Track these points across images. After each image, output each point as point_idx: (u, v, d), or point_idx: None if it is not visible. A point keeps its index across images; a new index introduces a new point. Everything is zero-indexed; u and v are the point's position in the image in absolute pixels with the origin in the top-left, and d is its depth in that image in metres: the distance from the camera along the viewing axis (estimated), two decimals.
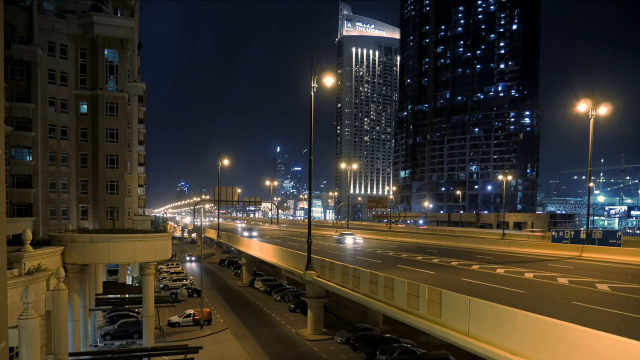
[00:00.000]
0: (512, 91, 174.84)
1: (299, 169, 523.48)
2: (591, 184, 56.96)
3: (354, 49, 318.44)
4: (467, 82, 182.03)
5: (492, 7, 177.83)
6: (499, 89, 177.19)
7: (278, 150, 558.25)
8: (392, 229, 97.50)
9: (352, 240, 61.73)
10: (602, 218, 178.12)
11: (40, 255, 23.38)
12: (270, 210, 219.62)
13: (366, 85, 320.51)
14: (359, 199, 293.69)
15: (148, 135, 70.95)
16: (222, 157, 77.07)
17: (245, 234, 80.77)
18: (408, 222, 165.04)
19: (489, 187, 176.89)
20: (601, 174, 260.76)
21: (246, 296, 60.36)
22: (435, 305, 19.75)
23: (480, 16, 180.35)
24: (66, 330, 22.62)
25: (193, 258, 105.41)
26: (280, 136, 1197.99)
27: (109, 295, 42.62)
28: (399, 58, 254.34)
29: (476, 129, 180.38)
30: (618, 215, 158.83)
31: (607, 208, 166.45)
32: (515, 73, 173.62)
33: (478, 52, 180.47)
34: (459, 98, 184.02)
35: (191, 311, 44.57)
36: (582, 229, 56.86)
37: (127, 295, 44.16)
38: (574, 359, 13.27)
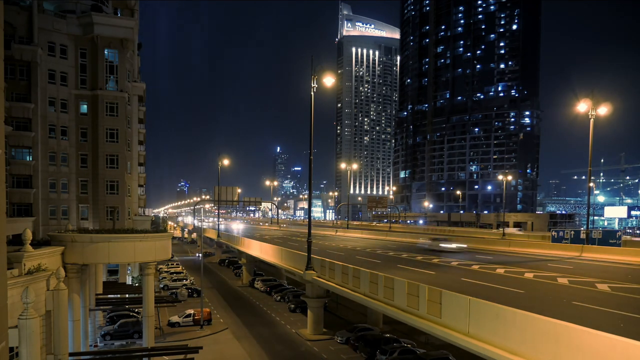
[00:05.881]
0: (512, 91, 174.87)
1: (299, 169, 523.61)
2: (591, 184, 56.97)
3: (354, 49, 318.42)
4: (467, 82, 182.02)
5: (492, 7, 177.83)
6: (499, 89, 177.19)
7: (278, 150, 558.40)
8: (392, 228, 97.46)
9: (455, 248, 46.95)
10: (602, 218, 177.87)
11: (40, 255, 23.37)
12: (270, 210, 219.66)
13: (366, 85, 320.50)
14: (359, 199, 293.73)
15: (148, 135, 71.02)
16: (222, 157, 77.10)
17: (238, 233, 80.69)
18: (408, 222, 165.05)
19: (489, 187, 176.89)
20: (601, 174, 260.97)
21: (246, 296, 60.36)
22: (435, 305, 19.74)
23: (480, 16, 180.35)
24: (66, 330, 22.61)
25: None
26: (280, 136, 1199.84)
27: (109, 295, 42.62)
28: (399, 58, 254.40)
29: (476, 129, 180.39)
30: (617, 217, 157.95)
31: (606, 209, 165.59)
32: (515, 73, 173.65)
33: (478, 52, 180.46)
34: (459, 98, 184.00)
35: (191, 311, 44.56)
36: (582, 229, 56.81)
37: (127, 295, 44.16)
38: (574, 359, 13.28)
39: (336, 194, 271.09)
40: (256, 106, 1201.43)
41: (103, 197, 45.94)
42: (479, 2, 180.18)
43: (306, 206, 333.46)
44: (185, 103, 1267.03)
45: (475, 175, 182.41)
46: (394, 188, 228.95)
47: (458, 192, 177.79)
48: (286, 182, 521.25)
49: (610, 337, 12.44)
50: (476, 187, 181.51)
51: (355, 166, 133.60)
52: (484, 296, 19.15)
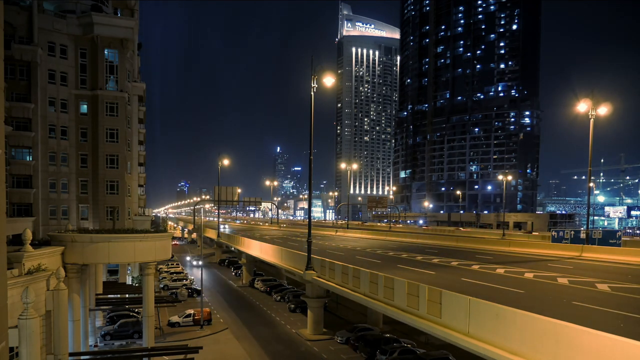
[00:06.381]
0: (512, 91, 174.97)
1: (299, 169, 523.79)
2: (591, 184, 57.00)
3: (354, 49, 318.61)
4: (467, 82, 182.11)
5: (492, 7, 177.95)
6: (499, 89, 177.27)
7: (278, 150, 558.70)
8: (392, 229, 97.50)
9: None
10: (602, 218, 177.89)
11: (40, 255, 23.36)
12: (270, 210, 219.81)
13: (366, 85, 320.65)
14: (359, 199, 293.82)
15: (148, 135, 71.06)
16: (222, 157, 77.12)
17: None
18: (408, 222, 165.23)
19: (489, 187, 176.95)
20: (601, 174, 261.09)
21: (246, 296, 60.34)
22: (435, 305, 19.74)
23: (480, 16, 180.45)
24: (66, 330, 22.60)
25: (194, 261, 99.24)
26: (280, 136, 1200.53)
27: (109, 295, 42.61)
28: (399, 58, 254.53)
29: (476, 129, 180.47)
30: (619, 215, 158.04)
31: (606, 209, 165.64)
32: (515, 73, 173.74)
33: (478, 52, 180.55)
34: (459, 98, 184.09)
35: (191, 311, 44.53)
36: (582, 229, 56.83)
37: (127, 295, 44.14)
38: (574, 359, 13.27)
39: (336, 194, 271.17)
40: (256, 106, 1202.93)
41: (103, 197, 45.94)
42: (479, 2, 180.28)
43: (306, 206, 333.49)
44: (185, 103, 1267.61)
45: (475, 175, 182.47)
46: (394, 188, 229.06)
47: (458, 192, 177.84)
48: (286, 182, 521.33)
49: (610, 337, 12.44)
50: (476, 187, 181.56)
51: (355, 166, 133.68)
52: (484, 296, 19.15)
